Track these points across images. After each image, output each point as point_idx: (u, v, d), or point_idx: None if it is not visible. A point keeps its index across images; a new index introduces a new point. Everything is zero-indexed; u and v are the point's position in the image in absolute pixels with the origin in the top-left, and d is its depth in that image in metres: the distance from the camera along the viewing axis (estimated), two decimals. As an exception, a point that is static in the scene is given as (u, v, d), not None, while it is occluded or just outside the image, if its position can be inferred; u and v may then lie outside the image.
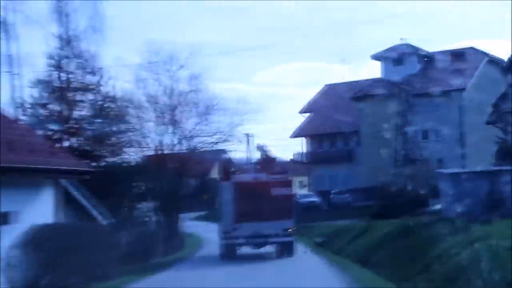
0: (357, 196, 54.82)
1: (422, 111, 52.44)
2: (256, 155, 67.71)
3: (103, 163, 33.22)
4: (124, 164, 35.54)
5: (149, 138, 39.35)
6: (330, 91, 67.92)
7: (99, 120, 34.78)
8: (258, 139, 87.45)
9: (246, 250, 27.70)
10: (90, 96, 35.29)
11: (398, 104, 51.39)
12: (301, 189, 69.40)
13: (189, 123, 40.19)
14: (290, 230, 25.75)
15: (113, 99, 35.49)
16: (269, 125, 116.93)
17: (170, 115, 39.75)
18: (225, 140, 40.40)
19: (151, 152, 39.58)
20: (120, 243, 24.02)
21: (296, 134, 68.74)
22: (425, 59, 61.20)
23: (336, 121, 61.68)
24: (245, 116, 39.85)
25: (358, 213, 43.93)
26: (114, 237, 22.57)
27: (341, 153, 64.10)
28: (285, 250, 26.56)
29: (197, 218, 60.23)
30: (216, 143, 40.88)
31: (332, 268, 23.23)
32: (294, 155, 69.88)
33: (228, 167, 27.38)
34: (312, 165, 66.24)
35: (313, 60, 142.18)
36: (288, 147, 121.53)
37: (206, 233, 41.09)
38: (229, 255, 26.43)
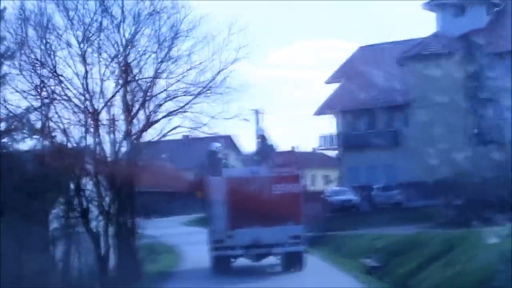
0: (410, 194, 47.94)
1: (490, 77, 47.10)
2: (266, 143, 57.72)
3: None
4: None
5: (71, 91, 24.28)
6: (368, 52, 59.91)
7: None
8: (270, 125, 77.55)
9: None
10: None
11: (465, 66, 47.25)
12: (327, 185, 62.25)
13: (149, 68, 25.48)
14: (299, 238, 24.38)
15: None
16: (285, 109, 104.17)
17: (116, 52, 24.61)
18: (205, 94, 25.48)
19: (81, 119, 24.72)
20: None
21: (322, 111, 59.42)
22: (496, 9, 54.70)
23: (376, 92, 54.75)
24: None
25: (415, 217, 37.75)
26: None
27: (384, 135, 56.34)
28: (293, 263, 24.80)
29: (189, 223, 53.16)
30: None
31: None
32: (319, 139, 60.01)
33: (217, 157, 24.73)
34: (344, 153, 58.85)
35: (337, 37, 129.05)
36: (311, 134, 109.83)
37: (192, 245, 34.17)
38: (222, 270, 24.60)
